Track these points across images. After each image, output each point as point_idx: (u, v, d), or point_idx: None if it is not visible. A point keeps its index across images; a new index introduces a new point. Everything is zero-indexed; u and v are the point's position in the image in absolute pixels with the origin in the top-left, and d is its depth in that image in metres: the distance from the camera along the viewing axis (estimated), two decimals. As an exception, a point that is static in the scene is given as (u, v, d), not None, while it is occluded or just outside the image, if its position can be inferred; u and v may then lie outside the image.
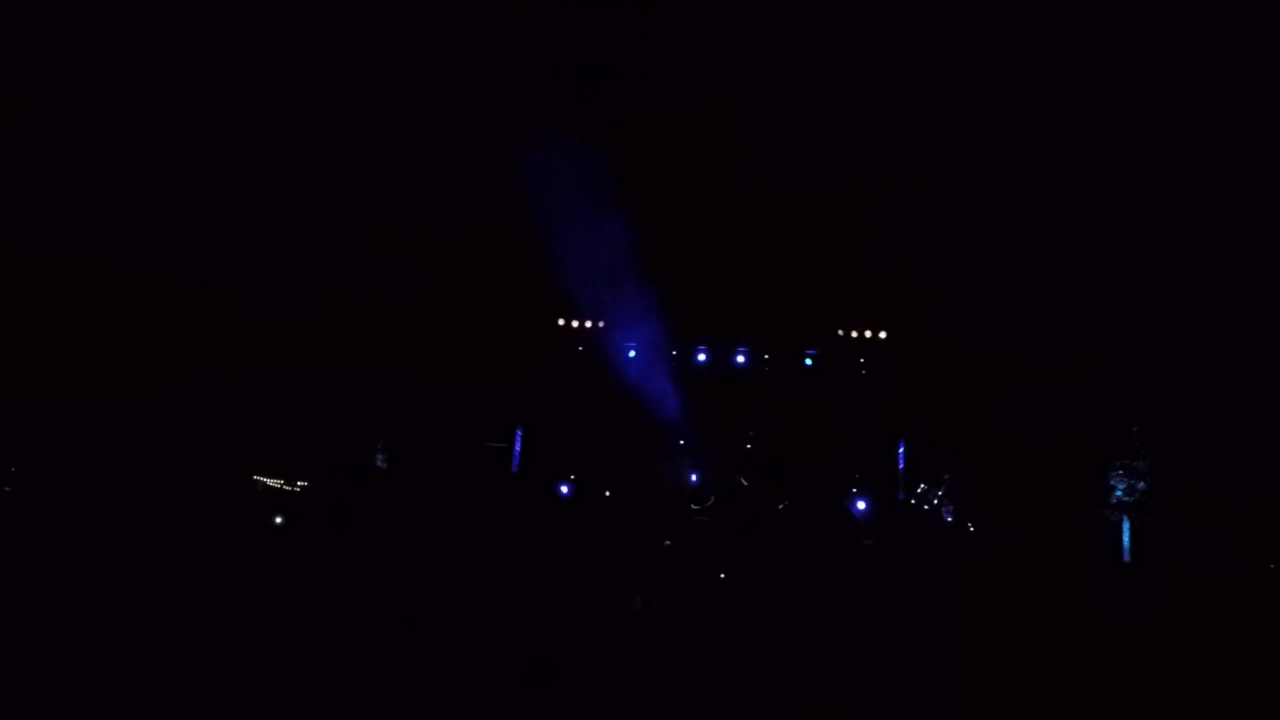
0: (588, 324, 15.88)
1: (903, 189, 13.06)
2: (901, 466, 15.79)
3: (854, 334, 15.86)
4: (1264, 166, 11.07)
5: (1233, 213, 11.65)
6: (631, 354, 15.80)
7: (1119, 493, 12.92)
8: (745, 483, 13.44)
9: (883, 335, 15.77)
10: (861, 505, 14.56)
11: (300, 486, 12.47)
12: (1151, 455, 12.83)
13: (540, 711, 1.64)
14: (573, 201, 13.42)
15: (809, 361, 16.09)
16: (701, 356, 16.41)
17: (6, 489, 8.47)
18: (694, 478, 15.29)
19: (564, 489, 15.03)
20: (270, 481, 11.71)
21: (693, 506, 12.74)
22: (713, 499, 13.76)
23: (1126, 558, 12.06)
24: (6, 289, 11.82)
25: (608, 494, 14.61)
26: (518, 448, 16.12)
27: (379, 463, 14.81)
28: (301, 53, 10.66)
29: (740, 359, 16.46)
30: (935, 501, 14.14)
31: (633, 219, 14.31)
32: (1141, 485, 12.75)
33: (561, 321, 15.90)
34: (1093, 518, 12.69)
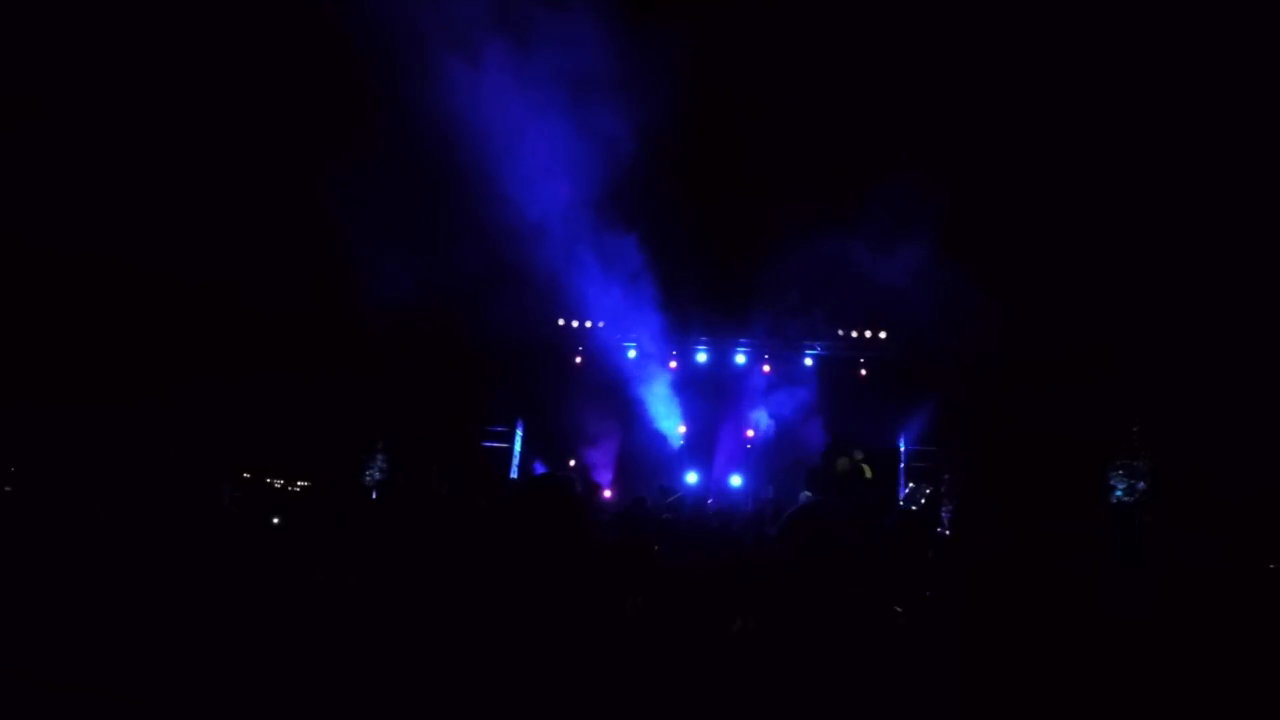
0: (588, 324, 15.92)
1: (903, 188, 13.05)
2: (902, 466, 15.81)
3: (854, 334, 15.90)
4: (1264, 166, 11.07)
5: (1233, 213, 11.65)
6: (631, 354, 15.84)
7: (1119, 493, 12.92)
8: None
9: (883, 335, 15.80)
10: (861, 505, 14.56)
11: (300, 486, 12.47)
12: (1151, 455, 12.84)
13: (540, 712, 1.64)
14: (572, 199, 13.43)
15: (809, 362, 16.13)
16: (701, 356, 16.45)
17: (6, 489, 8.46)
18: (694, 478, 15.32)
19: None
20: (269, 481, 11.72)
21: (663, 503, 12.71)
22: (679, 495, 13.71)
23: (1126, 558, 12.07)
24: (6, 289, 11.82)
25: (607, 494, 14.62)
26: (517, 448, 16.15)
27: (379, 463, 14.84)
28: (301, 52, 10.66)
29: (740, 359, 16.50)
30: (922, 501, 14.12)
31: (633, 218, 14.32)
32: (1141, 485, 12.76)
33: (561, 322, 15.94)
34: (1093, 518, 12.69)
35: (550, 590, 1.80)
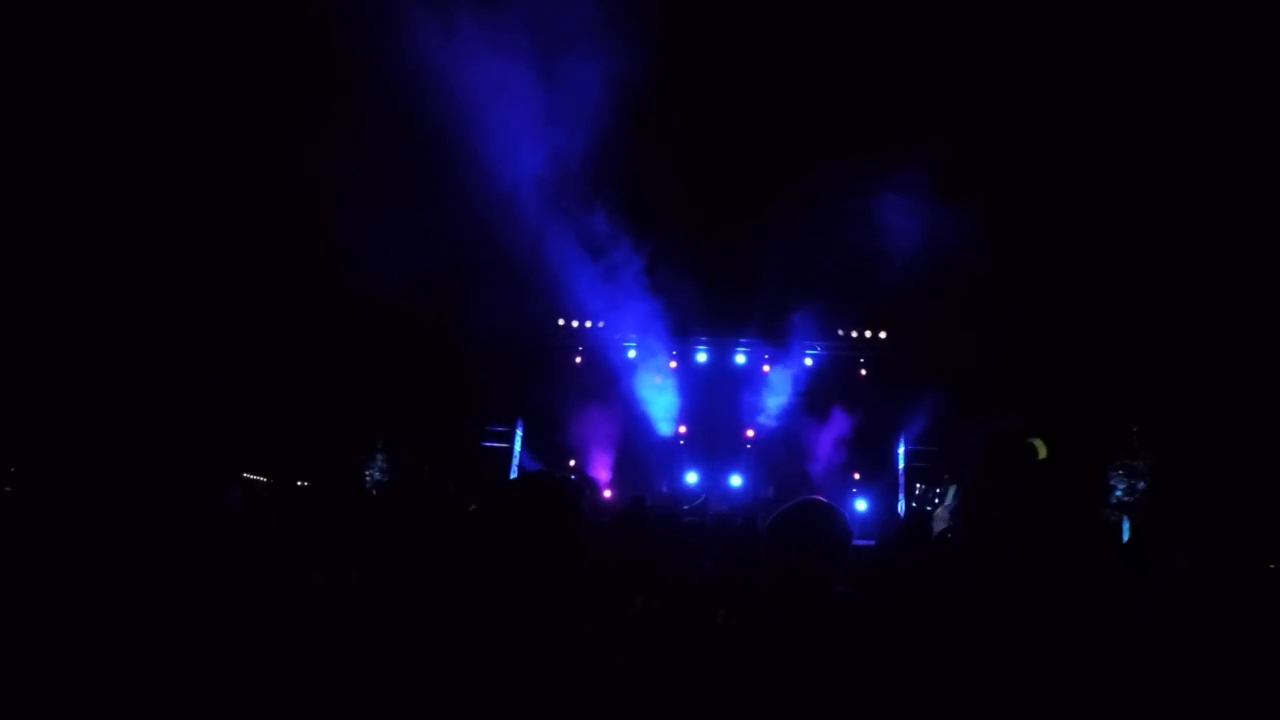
0: (588, 324, 15.91)
1: (902, 187, 13.06)
2: (902, 467, 15.80)
3: (854, 334, 15.89)
4: (1264, 166, 11.07)
5: (1232, 213, 11.65)
6: (631, 353, 15.83)
7: (1119, 493, 12.92)
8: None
9: (883, 335, 15.80)
10: (862, 506, 14.57)
11: (300, 486, 12.47)
12: (1151, 455, 12.84)
13: (541, 713, 1.64)
14: (573, 197, 13.42)
15: (809, 362, 16.12)
16: (701, 356, 16.44)
17: (6, 489, 8.46)
18: (694, 478, 15.31)
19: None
20: (268, 481, 11.73)
21: (683, 507, 12.73)
22: (703, 498, 13.72)
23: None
24: (7, 289, 11.82)
25: (608, 494, 14.62)
26: (517, 448, 16.15)
27: (379, 462, 14.84)
28: (303, 52, 10.66)
29: (740, 359, 16.49)
30: (936, 502, 14.14)
31: (633, 217, 14.32)
32: (1141, 485, 12.76)
33: (561, 321, 15.94)
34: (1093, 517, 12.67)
35: (549, 591, 1.79)
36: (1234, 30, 10.75)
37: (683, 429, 16.11)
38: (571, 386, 15.41)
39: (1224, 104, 11.29)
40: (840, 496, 13.97)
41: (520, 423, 16.08)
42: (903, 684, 1.87)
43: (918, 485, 15.18)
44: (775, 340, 15.97)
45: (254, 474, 11.63)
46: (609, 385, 15.51)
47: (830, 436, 15.23)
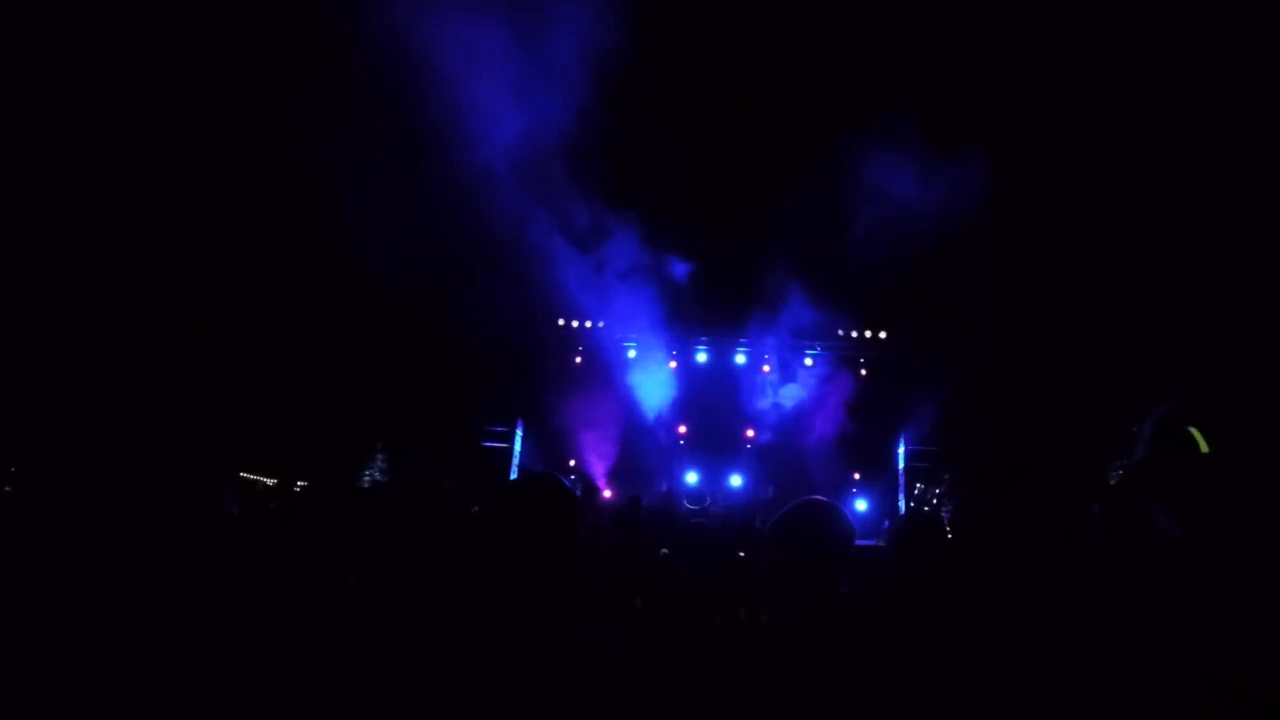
0: (587, 324, 15.92)
1: (901, 187, 13.06)
2: (902, 467, 15.80)
3: (854, 334, 15.90)
4: (1265, 165, 11.06)
5: (1234, 211, 11.64)
6: (631, 354, 15.83)
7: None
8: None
9: (883, 335, 15.81)
10: (862, 506, 14.57)
11: (300, 486, 12.46)
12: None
13: (541, 713, 1.64)
14: (572, 199, 13.43)
15: (809, 362, 16.13)
16: (702, 356, 16.44)
17: (6, 489, 8.46)
18: (694, 478, 15.31)
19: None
20: (267, 481, 11.73)
21: (688, 505, 12.74)
22: (709, 499, 13.73)
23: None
24: (7, 289, 11.82)
25: (607, 495, 14.62)
26: (517, 448, 16.15)
27: (378, 462, 14.84)
28: (301, 51, 10.66)
29: (740, 359, 16.50)
30: (935, 501, 14.15)
31: (632, 217, 14.32)
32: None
33: (561, 321, 15.94)
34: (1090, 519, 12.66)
35: (549, 591, 1.78)
36: (1235, 33, 10.74)
37: (682, 429, 16.11)
38: (571, 386, 15.41)
39: (1227, 101, 11.28)
40: (840, 496, 13.96)
41: (520, 423, 16.08)
42: (907, 684, 1.86)
43: (917, 485, 15.18)
44: (775, 340, 15.98)
45: (253, 474, 11.63)
46: (609, 385, 15.51)
47: (830, 426, 15.25)
